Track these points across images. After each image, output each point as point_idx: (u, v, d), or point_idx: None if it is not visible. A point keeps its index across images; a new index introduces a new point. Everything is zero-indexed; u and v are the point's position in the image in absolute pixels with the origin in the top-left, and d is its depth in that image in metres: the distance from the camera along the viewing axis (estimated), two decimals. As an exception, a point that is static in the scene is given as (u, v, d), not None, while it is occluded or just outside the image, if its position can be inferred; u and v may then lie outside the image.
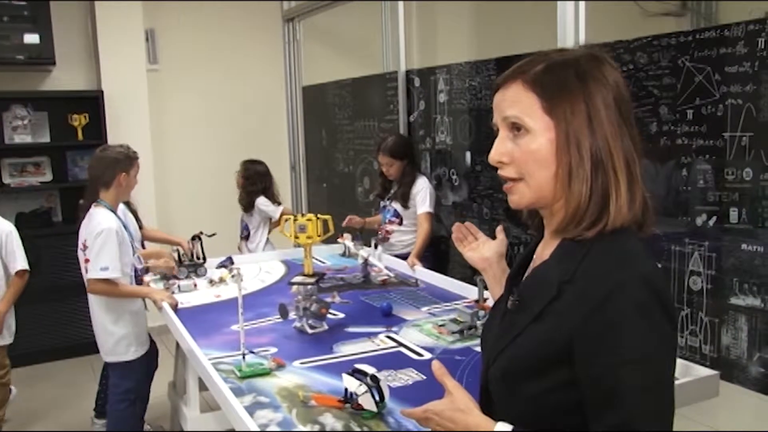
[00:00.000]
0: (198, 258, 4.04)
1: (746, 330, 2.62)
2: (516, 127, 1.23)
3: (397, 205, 4.45)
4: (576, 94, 1.20)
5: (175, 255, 4.02)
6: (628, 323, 1.11)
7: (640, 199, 1.21)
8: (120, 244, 3.38)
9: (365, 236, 4.46)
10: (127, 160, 3.52)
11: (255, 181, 5.15)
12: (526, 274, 1.36)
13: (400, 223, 4.45)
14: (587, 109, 1.20)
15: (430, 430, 1.32)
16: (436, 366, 1.33)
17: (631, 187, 1.20)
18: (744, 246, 2.62)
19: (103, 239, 3.32)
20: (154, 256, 3.88)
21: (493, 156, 1.27)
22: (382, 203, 4.61)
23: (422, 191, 4.34)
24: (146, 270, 3.86)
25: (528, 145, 1.22)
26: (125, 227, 3.53)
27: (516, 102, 1.23)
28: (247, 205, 5.19)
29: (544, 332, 1.19)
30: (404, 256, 4.23)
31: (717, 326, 2.73)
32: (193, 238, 4.08)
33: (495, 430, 1.21)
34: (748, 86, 2.57)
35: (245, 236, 5.28)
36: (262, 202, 5.12)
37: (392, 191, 4.50)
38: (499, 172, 1.28)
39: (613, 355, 1.11)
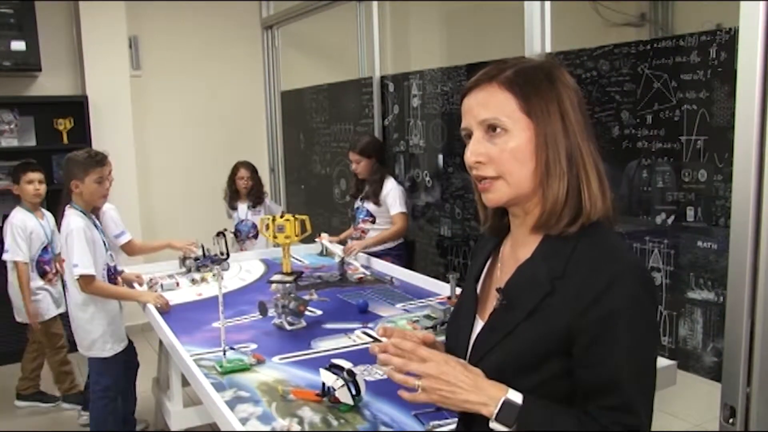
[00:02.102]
0: (222, 253, 4.17)
1: (701, 322, 2.69)
2: (492, 128, 1.24)
3: (369, 205, 4.51)
4: (549, 96, 1.24)
5: (200, 250, 4.15)
6: (626, 313, 1.17)
7: (608, 193, 1.27)
8: (90, 242, 3.40)
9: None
10: (79, 167, 3.43)
11: (260, 180, 5.42)
12: (499, 274, 1.37)
13: (373, 222, 4.52)
14: (559, 110, 1.24)
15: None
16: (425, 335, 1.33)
17: (602, 183, 1.26)
18: (699, 243, 2.68)
19: (71, 239, 3.36)
20: (133, 279, 3.87)
21: (470, 157, 1.27)
22: (356, 204, 4.68)
23: (392, 192, 4.41)
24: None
25: (506, 144, 1.23)
26: (97, 228, 3.54)
27: (492, 103, 1.25)
28: (258, 203, 5.37)
29: (538, 328, 1.22)
30: (378, 255, 4.33)
31: (675, 319, 2.79)
32: (218, 234, 4.20)
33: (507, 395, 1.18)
34: (702, 93, 2.63)
35: (254, 235, 5.38)
36: (268, 199, 5.49)
37: (364, 191, 4.57)
38: (475, 172, 1.28)
39: (614, 343, 1.16)
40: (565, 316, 1.19)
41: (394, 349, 1.25)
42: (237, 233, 5.40)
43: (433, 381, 1.20)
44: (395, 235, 4.43)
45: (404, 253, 4.56)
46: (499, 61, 1.30)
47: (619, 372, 1.17)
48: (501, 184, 1.26)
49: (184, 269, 4.08)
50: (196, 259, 4.08)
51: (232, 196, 5.42)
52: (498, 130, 1.24)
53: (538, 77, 1.25)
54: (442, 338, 1.47)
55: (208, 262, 4.08)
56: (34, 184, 4.28)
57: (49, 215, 4.46)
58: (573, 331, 1.18)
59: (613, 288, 1.17)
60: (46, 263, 4.37)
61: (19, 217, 4.30)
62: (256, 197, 5.38)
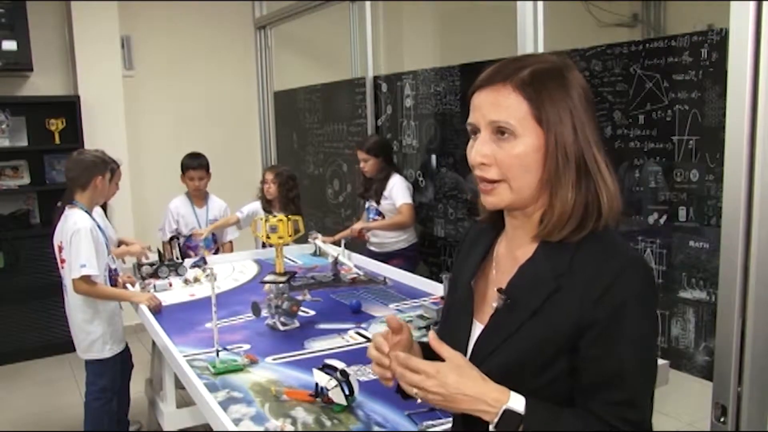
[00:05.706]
0: (177, 258, 4.12)
1: (693, 321, 2.71)
2: (501, 131, 1.22)
3: (376, 204, 4.52)
4: (563, 103, 1.21)
5: (156, 255, 4.10)
6: (633, 306, 1.16)
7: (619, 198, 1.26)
8: (95, 243, 3.42)
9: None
10: (103, 164, 3.57)
11: (292, 186, 4.75)
12: (495, 274, 1.36)
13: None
14: (572, 117, 1.21)
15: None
16: (431, 336, 1.25)
17: (614, 189, 1.24)
18: (691, 243, 2.70)
19: (78, 238, 3.36)
20: (125, 280, 3.83)
21: (475, 158, 1.24)
22: (366, 204, 4.65)
23: (397, 185, 4.40)
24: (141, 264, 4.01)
25: (513, 149, 1.21)
26: (100, 229, 3.56)
27: (505, 106, 1.21)
28: (295, 212, 4.52)
29: (544, 327, 1.20)
30: (391, 255, 4.34)
31: (667, 318, 2.81)
32: (170, 240, 4.16)
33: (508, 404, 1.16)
34: (694, 93, 2.65)
35: None
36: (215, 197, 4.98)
37: (371, 190, 4.55)
38: (478, 173, 1.26)
39: (621, 336, 1.16)
40: (573, 312, 1.18)
41: (387, 360, 1.25)
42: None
43: (429, 394, 1.18)
44: (400, 224, 4.41)
45: (418, 254, 4.55)
46: (515, 60, 1.27)
47: (625, 366, 1.17)
48: (503, 189, 1.24)
49: (139, 275, 3.98)
50: (152, 264, 4.04)
51: (263, 202, 4.81)
52: (506, 134, 1.22)
53: (554, 82, 1.23)
54: (425, 339, 1.38)
55: (164, 267, 4.01)
56: (194, 181, 4.72)
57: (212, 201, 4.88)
58: (582, 325, 1.17)
59: (621, 281, 1.17)
60: (192, 248, 4.61)
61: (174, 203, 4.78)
62: (283, 207, 4.62)
